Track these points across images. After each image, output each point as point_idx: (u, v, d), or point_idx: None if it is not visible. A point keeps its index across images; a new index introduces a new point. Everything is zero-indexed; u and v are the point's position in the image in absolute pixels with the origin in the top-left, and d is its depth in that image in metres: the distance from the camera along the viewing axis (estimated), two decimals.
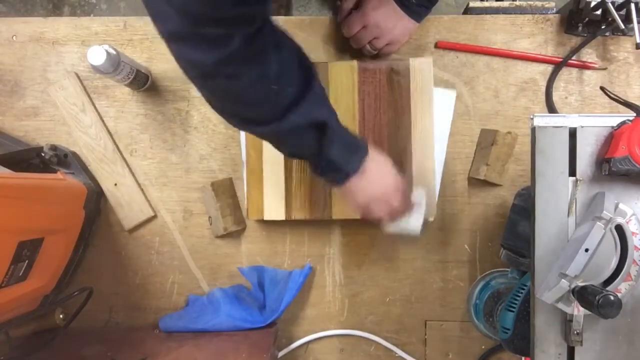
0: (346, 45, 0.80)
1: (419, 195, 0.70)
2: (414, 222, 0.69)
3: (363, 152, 0.62)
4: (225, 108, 0.54)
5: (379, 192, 0.64)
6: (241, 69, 0.48)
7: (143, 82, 0.76)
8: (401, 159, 0.75)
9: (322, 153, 0.57)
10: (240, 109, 0.53)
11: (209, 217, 0.81)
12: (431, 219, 0.79)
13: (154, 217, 0.82)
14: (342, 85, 0.76)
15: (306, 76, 0.54)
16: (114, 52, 0.69)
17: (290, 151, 0.63)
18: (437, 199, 0.77)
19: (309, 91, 0.53)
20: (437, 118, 0.77)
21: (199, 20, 0.43)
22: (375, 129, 0.76)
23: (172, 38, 0.46)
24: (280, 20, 0.81)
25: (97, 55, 0.67)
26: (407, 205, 0.68)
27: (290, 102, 0.52)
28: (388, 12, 0.73)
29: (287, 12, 1.46)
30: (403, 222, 0.68)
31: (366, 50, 0.77)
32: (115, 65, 0.69)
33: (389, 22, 0.73)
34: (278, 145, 0.62)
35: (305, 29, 0.81)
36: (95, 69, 0.68)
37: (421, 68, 0.75)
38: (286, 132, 0.55)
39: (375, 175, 0.63)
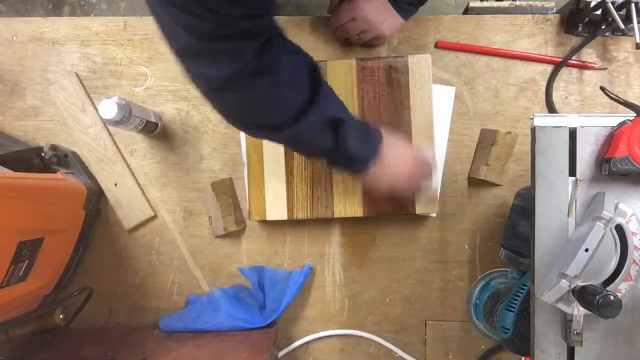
0: (346, 45, 0.80)
1: (429, 155, 0.73)
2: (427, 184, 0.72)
3: (378, 138, 0.63)
4: (241, 118, 0.55)
5: (401, 174, 0.66)
6: (253, 81, 0.48)
7: (152, 129, 0.79)
8: None
9: (339, 148, 0.58)
10: (255, 118, 0.54)
11: (209, 217, 0.81)
12: (433, 215, 0.79)
13: (154, 217, 0.82)
14: (341, 84, 0.76)
15: (315, 77, 0.54)
16: (124, 105, 0.70)
17: (308, 152, 0.64)
18: (438, 196, 0.77)
19: (319, 91, 0.54)
20: (437, 114, 0.77)
21: (207, 37, 0.44)
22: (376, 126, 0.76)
23: (183, 54, 0.47)
24: (280, 20, 0.81)
25: (108, 109, 0.68)
26: (429, 174, 0.70)
27: (303, 104, 0.53)
28: (378, 6, 0.73)
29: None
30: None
31: (353, 40, 0.78)
32: (127, 117, 0.70)
33: (378, 16, 0.73)
34: (296, 148, 0.64)
35: (305, 29, 0.81)
36: (107, 121, 0.69)
37: (420, 65, 0.75)
38: (303, 135, 0.56)
39: (394, 159, 0.64)
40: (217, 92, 0.50)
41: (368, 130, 0.62)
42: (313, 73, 0.55)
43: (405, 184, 0.67)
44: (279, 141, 0.61)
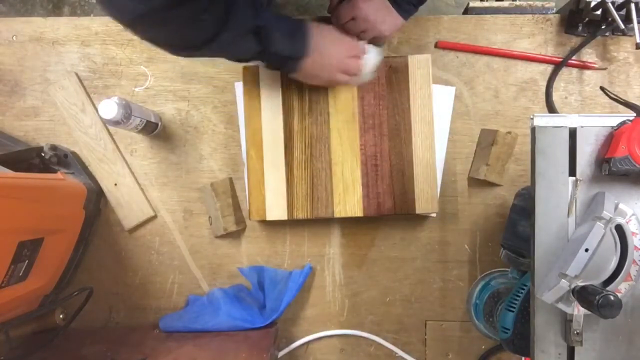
0: None
1: (361, 45, 0.73)
2: (367, 70, 0.72)
3: (306, 33, 0.65)
4: (159, 41, 0.56)
5: (335, 63, 0.69)
6: (171, 14, 0.49)
7: (152, 129, 0.79)
8: (403, 155, 0.75)
9: (266, 51, 0.61)
10: (173, 41, 0.56)
11: (209, 217, 0.81)
12: (433, 215, 0.79)
13: (154, 217, 0.82)
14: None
15: None
16: (125, 105, 0.70)
17: (235, 59, 0.67)
18: (438, 196, 0.77)
19: (234, 6, 0.54)
20: (437, 114, 0.77)
21: None
22: (376, 126, 0.76)
23: None
24: None
25: (109, 109, 0.68)
26: (361, 55, 0.72)
27: (218, 23, 0.54)
28: (378, 6, 0.74)
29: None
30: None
31: None
32: (127, 117, 0.71)
33: (378, 16, 0.74)
34: (225, 56, 0.66)
35: None
36: (107, 121, 0.70)
37: (420, 65, 0.75)
38: (223, 47, 0.58)
39: (325, 50, 0.67)
40: (132, 25, 0.51)
41: (294, 27, 0.64)
42: None
43: (340, 75, 0.70)
44: (205, 56, 0.64)
